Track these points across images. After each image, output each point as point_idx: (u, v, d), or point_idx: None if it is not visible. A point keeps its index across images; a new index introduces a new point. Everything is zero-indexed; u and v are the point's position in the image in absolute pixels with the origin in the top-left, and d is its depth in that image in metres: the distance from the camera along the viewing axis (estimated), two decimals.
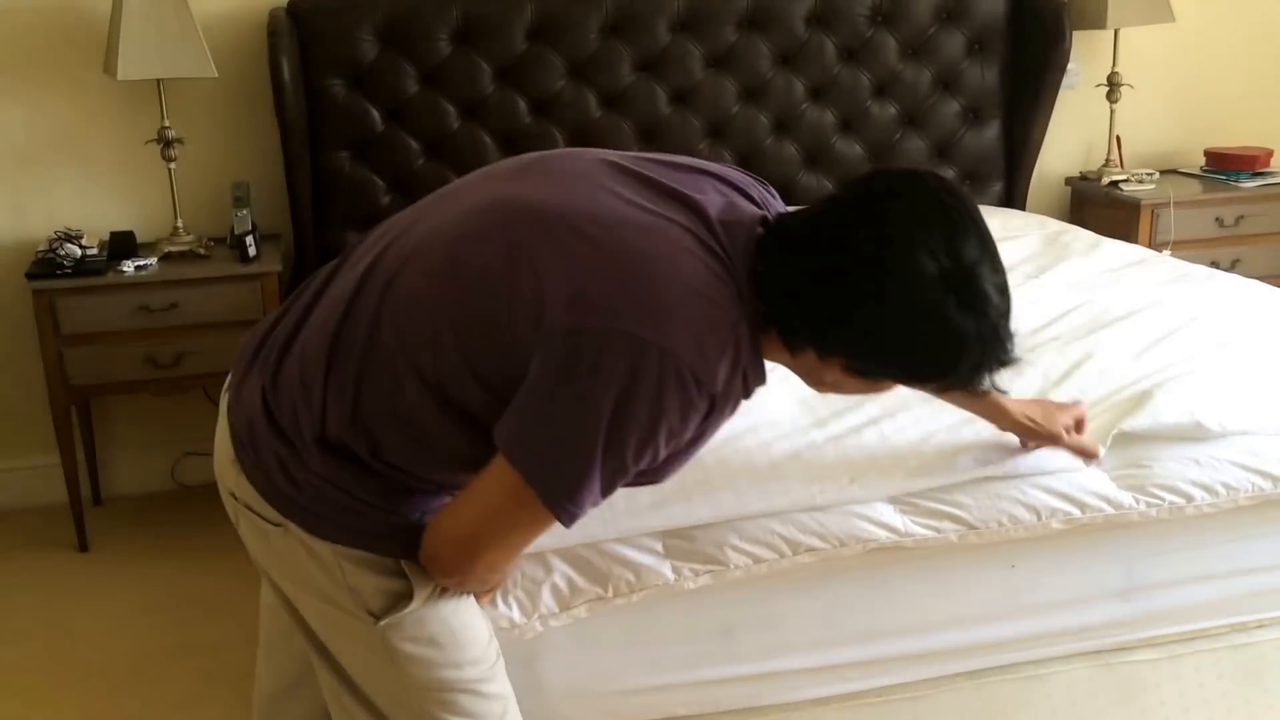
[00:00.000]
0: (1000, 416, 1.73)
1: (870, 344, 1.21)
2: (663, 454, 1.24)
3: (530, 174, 1.36)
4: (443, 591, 1.36)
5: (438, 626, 1.37)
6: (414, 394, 1.26)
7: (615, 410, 1.17)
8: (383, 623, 1.33)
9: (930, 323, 1.17)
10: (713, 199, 1.30)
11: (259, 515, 1.36)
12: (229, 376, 1.46)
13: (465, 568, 1.30)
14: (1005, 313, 1.21)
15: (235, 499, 1.39)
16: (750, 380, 1.28)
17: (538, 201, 1.28)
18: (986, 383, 1.22)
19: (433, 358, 1.25)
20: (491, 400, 1.24)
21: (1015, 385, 2.03)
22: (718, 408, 1.24)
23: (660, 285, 1.20)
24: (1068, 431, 1.74)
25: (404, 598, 1.34)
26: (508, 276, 1.23)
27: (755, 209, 1.33)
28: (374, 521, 1.33)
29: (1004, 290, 1.21)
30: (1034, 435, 1.74)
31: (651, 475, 1.31)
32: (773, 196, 1.42)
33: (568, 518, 1.23)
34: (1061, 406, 1.78)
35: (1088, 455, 1.75)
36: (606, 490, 1.23)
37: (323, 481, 1.31)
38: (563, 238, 1.23)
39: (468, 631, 1.40)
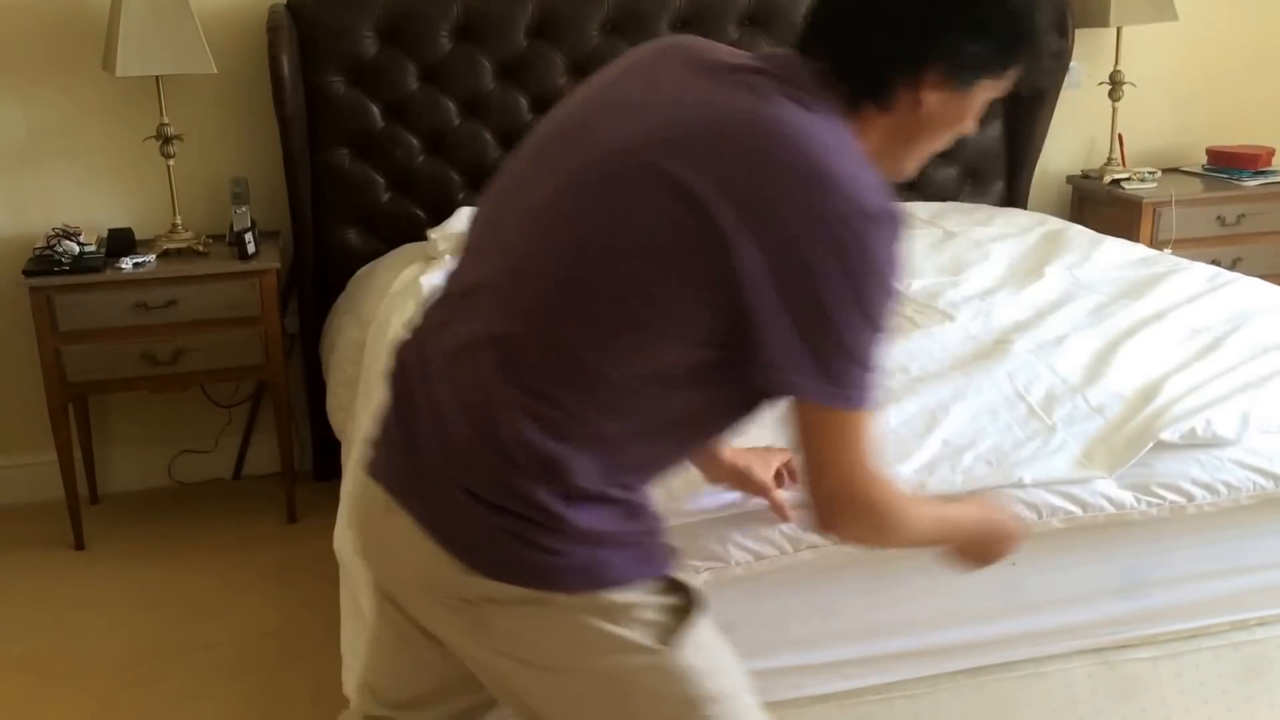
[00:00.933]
0: (714, 466, 1.61)
1: (955, 23, 1.23)
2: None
3: (614, 111, 1.28)
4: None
5: (711, 636, 1.31)
6: (625, 376, 1.21)
7: (855, 292, 1.16)
8: (673, 641, 1.26)
9: None
10: (748, 57, 1.30)
11: (506, 603, 1.24)
12: (375, 497, 1.32)
13: (853, 503, 1.26)
14: None
15: (469, 603, 1.26)
16: None
17: (644, 138, 1.22)
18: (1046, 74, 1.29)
19: (632, 337, 1.20)
20: (709, 348, 1.21)
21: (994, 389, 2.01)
22: (901, 219, 1.22)
23: (804, 149, 1.18)
24: (778, 482, 1.64)
25: (681, 610, 1.28)
26: (660, 230, 1.18)
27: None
28: (645, 538, 1.28)
29: None
30: (746, 485, 1.63)
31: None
32: None
33: (871, 403, 1.22)
34: (774, 453, 1.65)
35: (783, 514, 1.63)
36: (881, 355, 1.22)
37: (591, 519, 1.22)
38: (684, 161, 1.18)
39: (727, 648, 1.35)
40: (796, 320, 1.17)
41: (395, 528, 1.29)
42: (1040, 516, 1.72)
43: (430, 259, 2.79)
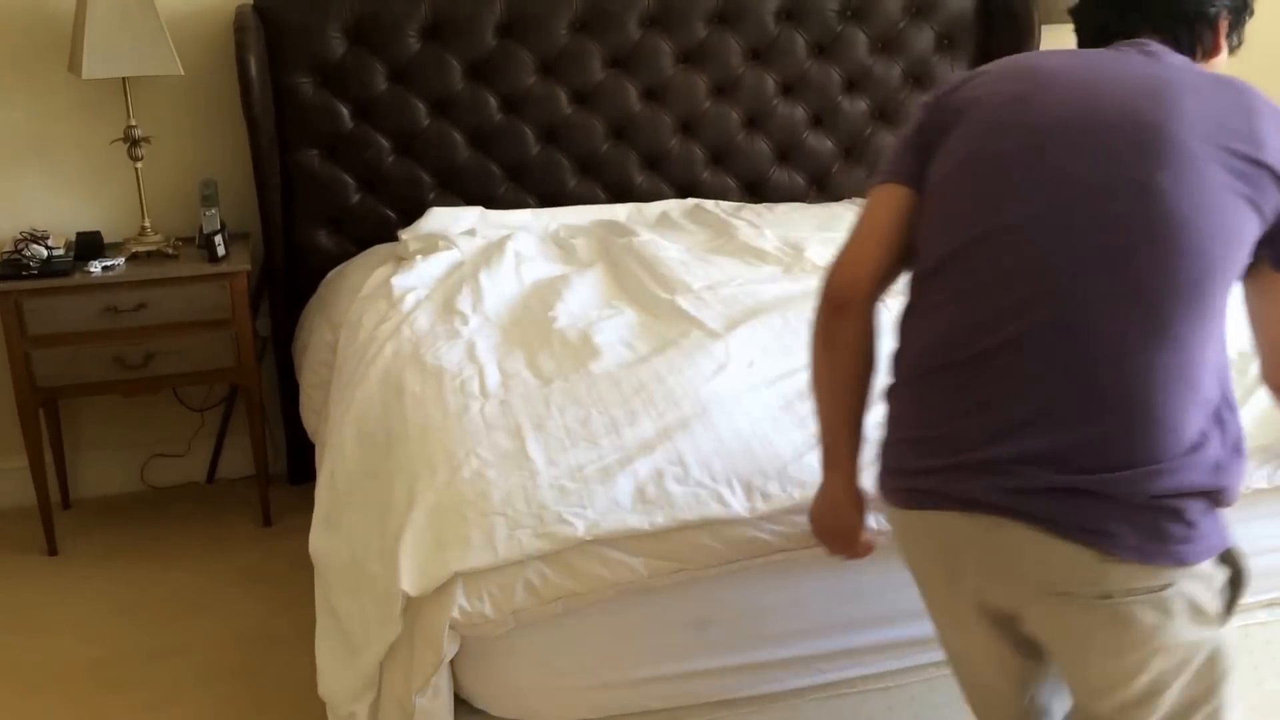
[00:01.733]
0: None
1: None
2: None
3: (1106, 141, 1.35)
4: None
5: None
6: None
7: None
8: (1225, 620, 1.35)
9: None
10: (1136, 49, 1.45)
11: (1145, 593, 1.30)
12: (957, 527, 1.39)
13: None
14: None
15: (1107, 598, 1.30)
16: None
17: (1174, 125, 1.32)
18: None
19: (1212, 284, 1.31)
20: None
21: None
22: None
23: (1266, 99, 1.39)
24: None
25: (1233, 584, 1.36)
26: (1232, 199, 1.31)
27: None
28: (1223, 493, 1.34)
29: None
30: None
31: None
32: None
33: None
34: None
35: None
36: None
37: (1204, 475, 1.30)
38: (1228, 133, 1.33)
39: None
40: None
41: (1008, 542, 1.34)
42: None
43: (401, 259, 2.79)
